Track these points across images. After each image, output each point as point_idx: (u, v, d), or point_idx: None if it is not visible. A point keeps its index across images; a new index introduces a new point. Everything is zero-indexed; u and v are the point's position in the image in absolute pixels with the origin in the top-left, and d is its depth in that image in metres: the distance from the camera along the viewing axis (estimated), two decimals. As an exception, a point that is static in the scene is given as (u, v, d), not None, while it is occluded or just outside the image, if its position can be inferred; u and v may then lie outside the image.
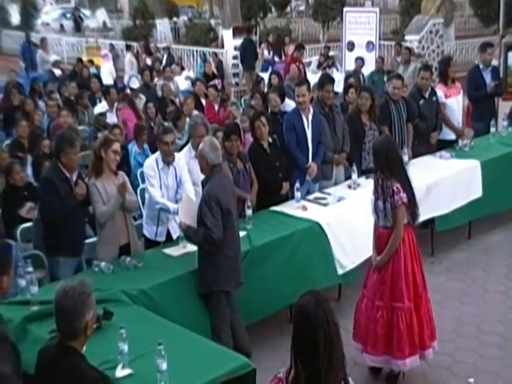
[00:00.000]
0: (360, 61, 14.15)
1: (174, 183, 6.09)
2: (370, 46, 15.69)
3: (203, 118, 6.76)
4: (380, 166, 5.10)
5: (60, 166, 5.60)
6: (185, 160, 6.28)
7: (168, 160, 6.04)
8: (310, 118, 7.21)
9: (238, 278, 5.33)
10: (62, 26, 28.97)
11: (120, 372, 3.86)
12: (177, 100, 12.01)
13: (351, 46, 16.03)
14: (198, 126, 6.33)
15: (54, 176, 5.57)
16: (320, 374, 2.77)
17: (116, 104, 10.23)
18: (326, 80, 7.73)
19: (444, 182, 7.50)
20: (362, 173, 7.36)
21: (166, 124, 7.24)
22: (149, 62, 17.00)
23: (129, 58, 17.08)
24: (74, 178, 5.68)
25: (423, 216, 7.12)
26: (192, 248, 5.69)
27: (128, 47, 18.54)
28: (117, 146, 5.76)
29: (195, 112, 9.55)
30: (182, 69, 15.71)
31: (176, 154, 6.21)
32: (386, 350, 5.13)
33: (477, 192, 7.82)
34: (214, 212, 5.01)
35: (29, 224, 6.53)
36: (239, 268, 5.34)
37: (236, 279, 5.30)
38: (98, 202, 5.63)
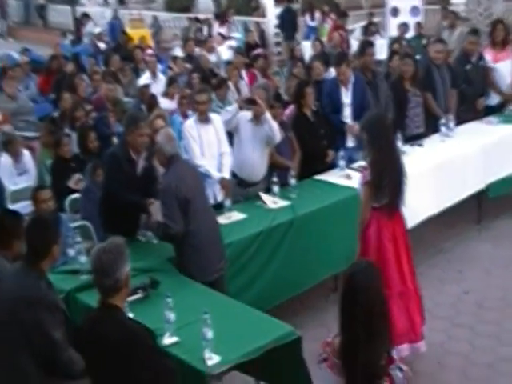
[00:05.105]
0: (404, 26, 13.86)
1: (215, 139, 6.15)
2: (414, 10, 15.35)
3: (266, 84, 6.70)
4: (366, 140, 4.91)
5: (127, 145, 5.41)
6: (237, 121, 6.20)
7: (201, 118, 6.11)
8: (351, 87, 7.10)
9: (213, 266, 4.96)
10: (105, -2, 29.03)
11: (167, 340, 3.92)
12: (221, 71, 11.98)
13: (395, 12, 15.70)
14: (257, 90, 6.27)
15: (120, 153, 5.40)
16: (358, 342, 2.77)
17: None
18: (366, 44, 7.68)
19: (492, 147, 7.35)
20: (406, 140, 7.25)
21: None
22: (222, 30, 16.96)
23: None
24: (141, 161, 5.47)
25: (473, 185, 7.18)
26: (238, 216, 5.75)
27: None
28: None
29: (242, 82, 9.53)
30: (224, 38, 15.64)
31: (214, 114, 6.28)
32: None
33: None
34: (168, 205, 4.80)
35: (77, 195, 6.64)
36: (213, 255, 4.97)
37: (211, 267, 4.94)
38: None
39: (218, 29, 17.12)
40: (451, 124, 7.52)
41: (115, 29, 18.83)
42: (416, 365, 4.87)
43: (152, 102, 8.42)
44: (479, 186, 7.24)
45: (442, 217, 6.87)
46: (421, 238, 6.36)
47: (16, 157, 7.40)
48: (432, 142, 7.43)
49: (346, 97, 7.11)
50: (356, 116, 7.10)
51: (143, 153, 5.48)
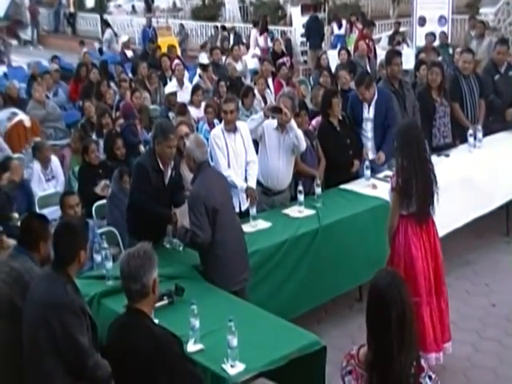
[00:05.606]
0: (431, 36, 13.76)
1: (242, 148, 6.13)
2: (442, 20, 15.24)
3: (292, 92, 6.63)
4: (396, 147, 4.92)
5: (156, 154, 5.38)
6: (263, 129, 6.21)
7: (229, 127, 6.11)
8: (373, 103, 6.99)
9: (237, 277, 4.94)
10: (133, 7, 29.34)
11: (191, 347, 3.93)
12: (248, 80, 12.03)
13: (422, 21, 15.61)
14: (283, 98, 6.23)
15: (148, 164, 5.36)
16: (391, 352, 2.76)
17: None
18: (393, 54, 7.63)
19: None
20: (433, 150, 7.19)
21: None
22: (261, 38, 16.90)
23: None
24: (169, 171, 5.46)
25: (501, 197, 7.08)
26: (263, 224, 5.73)
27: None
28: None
29: (267, 91, 9.56)
30: (248, 48, 15.69)
31: (241, 123, 6.30)
32: None
33: None
34: (197, 213, 4.78)
35: (103, 201, 6.70)
36: (237, 267, 4.96)
37: (234, 279, 4.92)
38: None
39: (257, 37, 17.06)
40: (479, 134, 7.46)
41: (147, 36, 19.00)
42: (442, 378, 4.76)
43: (182, 110, 8.47)
44: (507, 197, 7.16)
45: (470, 228, 6.80)
46: (448, 249, 6.25)
47: (44, 163, 7.50)
48: (459, 153, 7.38)
49: (368, 112, 7.03)
50: (378, 132, 7.05)
51: (171, 163, 5.49)
